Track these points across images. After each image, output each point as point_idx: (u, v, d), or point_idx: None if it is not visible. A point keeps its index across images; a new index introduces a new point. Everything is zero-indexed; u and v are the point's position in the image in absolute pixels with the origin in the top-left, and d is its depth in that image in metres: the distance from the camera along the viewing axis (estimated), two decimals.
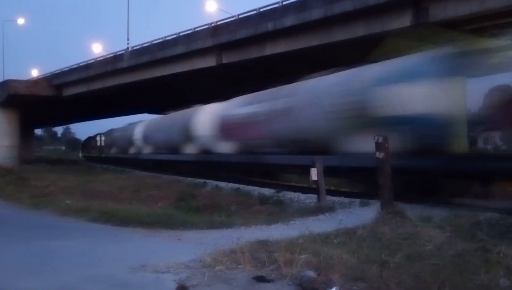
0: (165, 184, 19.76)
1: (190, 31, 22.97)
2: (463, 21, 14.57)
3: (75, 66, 31.57)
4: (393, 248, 5.27)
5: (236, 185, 17.16)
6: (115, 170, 32.30)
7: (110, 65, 28.21)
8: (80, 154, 60.72)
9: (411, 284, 4.24)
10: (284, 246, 5.49)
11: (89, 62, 30.68)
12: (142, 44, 26.45)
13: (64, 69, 32.74)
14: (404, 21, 14.81)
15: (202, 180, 20.10)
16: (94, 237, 7.79)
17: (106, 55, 30.20)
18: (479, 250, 4.99)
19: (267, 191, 15.02)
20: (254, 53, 20.12)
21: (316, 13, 16.47)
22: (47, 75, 34.92)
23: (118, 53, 28.33)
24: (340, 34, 16.68)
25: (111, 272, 5.10)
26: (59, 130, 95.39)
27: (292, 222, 8.95)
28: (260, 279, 4.71)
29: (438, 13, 14.09)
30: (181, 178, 22.76)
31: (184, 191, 15.75)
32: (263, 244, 5.75)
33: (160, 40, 24.84)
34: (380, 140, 7.84)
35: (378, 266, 4.67)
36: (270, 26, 18.36)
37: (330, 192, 12.08)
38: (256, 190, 15.57)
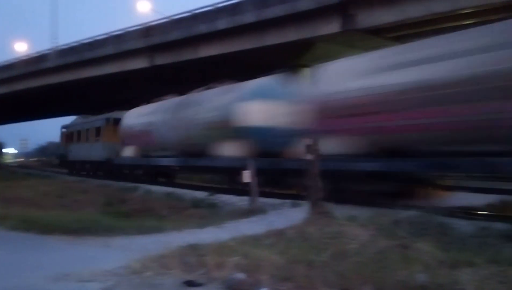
0: (92, 188, 19.01)
1: (121, 32, 22.47)
2: (387, 28, 15.38)
3: None
4: (320, 248, 5.41)
5: (169, 189, 16.87)
6: (39, 175, 30.74)
7: (35, 65, 26.96)
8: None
9: (336, 281, 4.37)
10: (214, 249, 5.47)
11: (12, 61, 29.09)
12: (70, 43, 25.51)
13: None
14: (333, 27, 15.38)
15: (133, 184, 19.56)
16: (13, 246, 7.31)
17: (30, 54, 28.79)
18: (399, 247, 5.25)
19: (200, 195, 14.89)
20: (187, 55, 20.03)
21: (248, 17, 16.72)
22: None
23: (43, 53, 27.10)
24: (272, 38, 17.03)
25: (31, 282, 4.82)
26: None
27: (224, 225, 8.91)
28: (190, 283, 4.66)
29: (364, 20, 14.78)
30: (110, 182, 22.02)
31: (113, 196, 15.25)
32: (193, 248, 5.69)
33: (90, 40, 24.06)
34: (310, 142, 8.08)
35: (305, 266, 4.78)
36: (203, 28, 18.37)
37: (263, 194, 12.18)
38: (188, 193, 15.39)
